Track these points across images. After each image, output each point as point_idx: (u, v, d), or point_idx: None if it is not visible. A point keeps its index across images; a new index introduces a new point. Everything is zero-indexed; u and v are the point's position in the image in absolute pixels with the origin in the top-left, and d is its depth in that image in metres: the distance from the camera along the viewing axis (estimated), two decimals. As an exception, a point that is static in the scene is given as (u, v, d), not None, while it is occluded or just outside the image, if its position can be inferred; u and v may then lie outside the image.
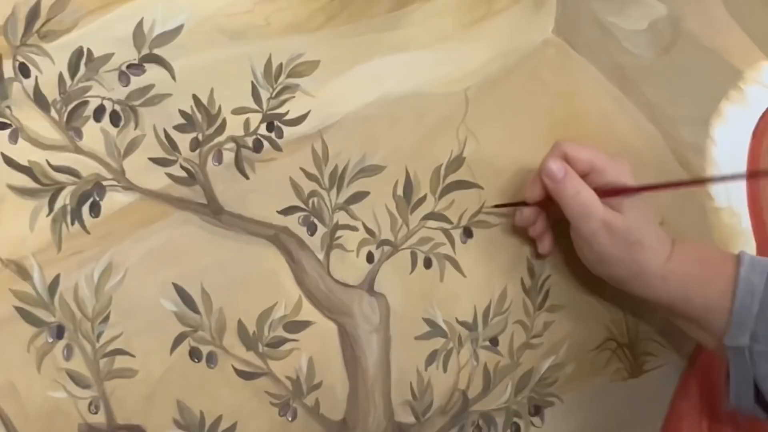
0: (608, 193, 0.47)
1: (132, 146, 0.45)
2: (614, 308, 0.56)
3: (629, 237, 0.46)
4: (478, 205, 0.52)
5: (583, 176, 0.47)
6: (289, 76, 0.47)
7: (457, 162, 0.51)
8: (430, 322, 0.51)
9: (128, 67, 0.44)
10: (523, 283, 0.53)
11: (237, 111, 0.47)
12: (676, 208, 0.56)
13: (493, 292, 0.52)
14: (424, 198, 0.51)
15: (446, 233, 0.51)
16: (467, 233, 0.52)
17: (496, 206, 0.51)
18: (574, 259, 0.52)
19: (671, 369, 0.57)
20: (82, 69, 0.43)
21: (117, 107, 0.44)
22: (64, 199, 0.43)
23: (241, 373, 0.47)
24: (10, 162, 0.42)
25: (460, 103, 0.52)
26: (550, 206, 0.49)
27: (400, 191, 0.50)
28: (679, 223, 0.56)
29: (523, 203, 0.50)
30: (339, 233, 0.49)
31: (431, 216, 0.51)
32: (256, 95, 0.47)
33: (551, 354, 0.54)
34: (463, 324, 0.51)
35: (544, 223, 0.51)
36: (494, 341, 0.52)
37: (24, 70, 0.42)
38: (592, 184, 0.47)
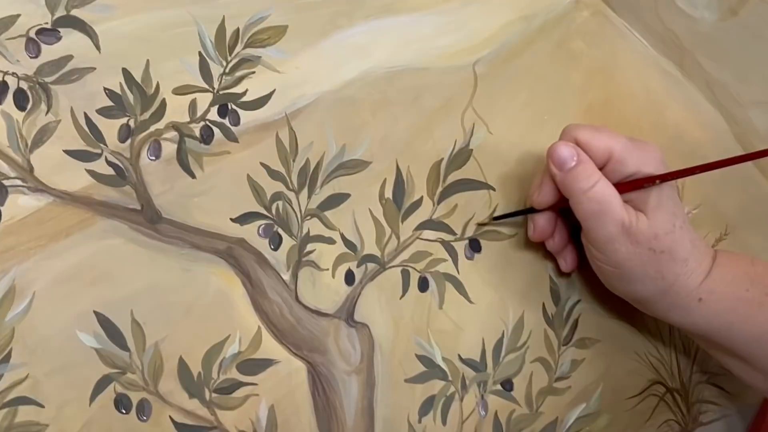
0: (630, 186, 0.45)
1: (43, 135, 0.44)
2: (662, 342, 0.55)
3: (655, 245, 0.45)
4: (487, 211, 0.51)
5: (600, 168, 0.46)
6: (247, 45, 0.47)
7: (462, 156, 0.51)
8: (425, 360, 0.50)
9: (39, 32, 0.44)
10: (545, 311, 0.52)
11: (180, 90, 0.46)
12: (742, 216, 0.55)
13: (506, 321, 0.51)
14: (419, 202, 0.50)
15: (447, 246, 0.50)
16: (474, 247, 0.51)
17: (497, 218, 0.51)
18: None
19: (735, 421, 0.57)
20: (-22, 36, 0.43)
21: (23, 85, 0.43)
22: (-47, 203, 0.43)
23: (181, 427, 0.45)
24: None
25: (466, 81, 0.51)
26: (566, 211, 0.48)
27: (388, 193, 0.49)
28: (748, 235, 0.55)
29: (531, 210, 0.49)
30: (310, 247, 0.48)
31: (428, 224, 0.50)
32: (204, 70, 0.46)
33: (581, 401, 0.53)
34: (467, 363, 0.50)
35: (564, 234, 0.50)
36: (508, 384, 0.51)
37: None
38: (611, 178, 0.46)
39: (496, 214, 0.51)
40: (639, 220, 0.44)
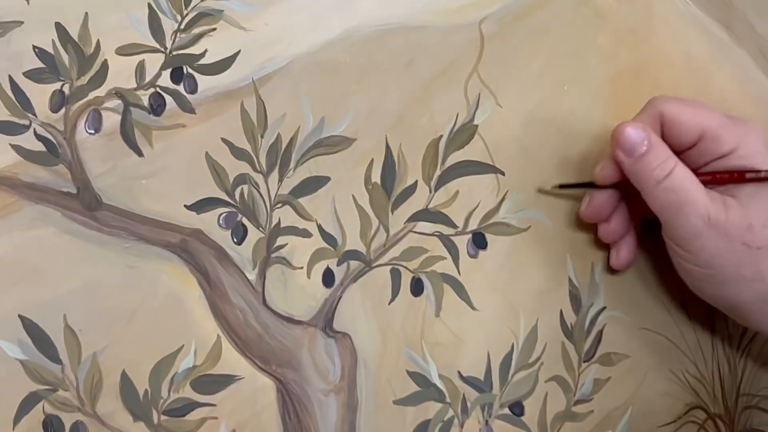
0: (719, 179, 0.46)
1: (-42, 103, 0.44)
2: (702, 359, 0.55)
3: (750, 239, 0.45)
4: (496, 200, 0.51)
5: (689, 148, 0.46)
6: (207, -4, 0.48)
7: (464, 133, 0.50)
8: (418, 377, 0.49)
9: (-47, -21, 0.44)
10: (563, 320, 0.52)
11: (125, 50, 0.46)
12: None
13: (516, 332, 0.51)
14: (413, 187, 0.50)
15: (446, 242, 0.50)
16: (478, 242, 0.51)
17: (562, 186, 0.51)
18: (643, 280, 0.51)
19: (790, 454, 0.58)
20: None
21: (-65, 42, 0.44)
22: None
23: (124, 456, 0.46)
24: None
25: (471, 43, 0.51)
26: (634, 198, 0.48)
27: (376, 177, 0.49)
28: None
29: (591, 184, 0.49)
30: (281, 240, 0.48)
31: (424, 215, 0.50)
32: (155, 26, 0.46)
33: (605, 429, 0.53)
34: (469, 381, 0.50)
35: (623, 219, 0.50)
36: (517, 408, 0.51)
37: None
38: (701, 159, 0.46)
39: (503, 197, 0.51)
40: (729, 208, 0.45)
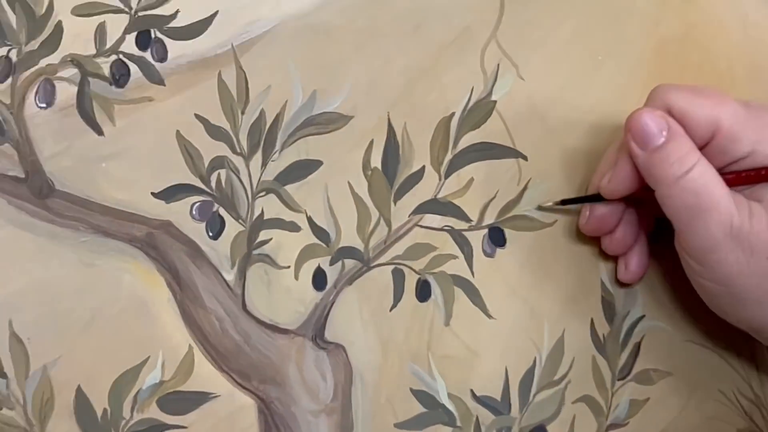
0: (745, 178, 0.44)
1: None
2: (758, 378, 0.53)
3: None
4: (516, 189, 0.49)
5: (701, 147, 0.45)
6: (179, -53, 0.47)
7: (481, 110, 0.50)
8: (424, 396, 0.49)
9: None
10: (594, 330, 0.51)
11: (83, 10, 0.46)
12: None
13: (539, 345, 0.49)
14: (419, 174, 0.49)
15: (458, 238, 0.49)
16: (496, 238, 0.50)
17: (565, 202, 0.49)
18: (687, 284, 0.49)
19: None
20: None
21: None
22: None
23: (77, 487, 0.45)
24: None
25: (489, 5, 0.50)
26: (644, 201, 0.46)
27: (376, 161, 0.49)
28: None
29: (598, 197, 0.48)
30: (265, 235, 0.47)
31: (432, 206, 0.49)
32: None
33: None
34: (483, 402, 0.49)
35: (631, 230, 0.48)
36: None
37: None
38: (716, 161, 0.45)
39: (529, 194, 0.49)
40: (754, 216, 0.43)
